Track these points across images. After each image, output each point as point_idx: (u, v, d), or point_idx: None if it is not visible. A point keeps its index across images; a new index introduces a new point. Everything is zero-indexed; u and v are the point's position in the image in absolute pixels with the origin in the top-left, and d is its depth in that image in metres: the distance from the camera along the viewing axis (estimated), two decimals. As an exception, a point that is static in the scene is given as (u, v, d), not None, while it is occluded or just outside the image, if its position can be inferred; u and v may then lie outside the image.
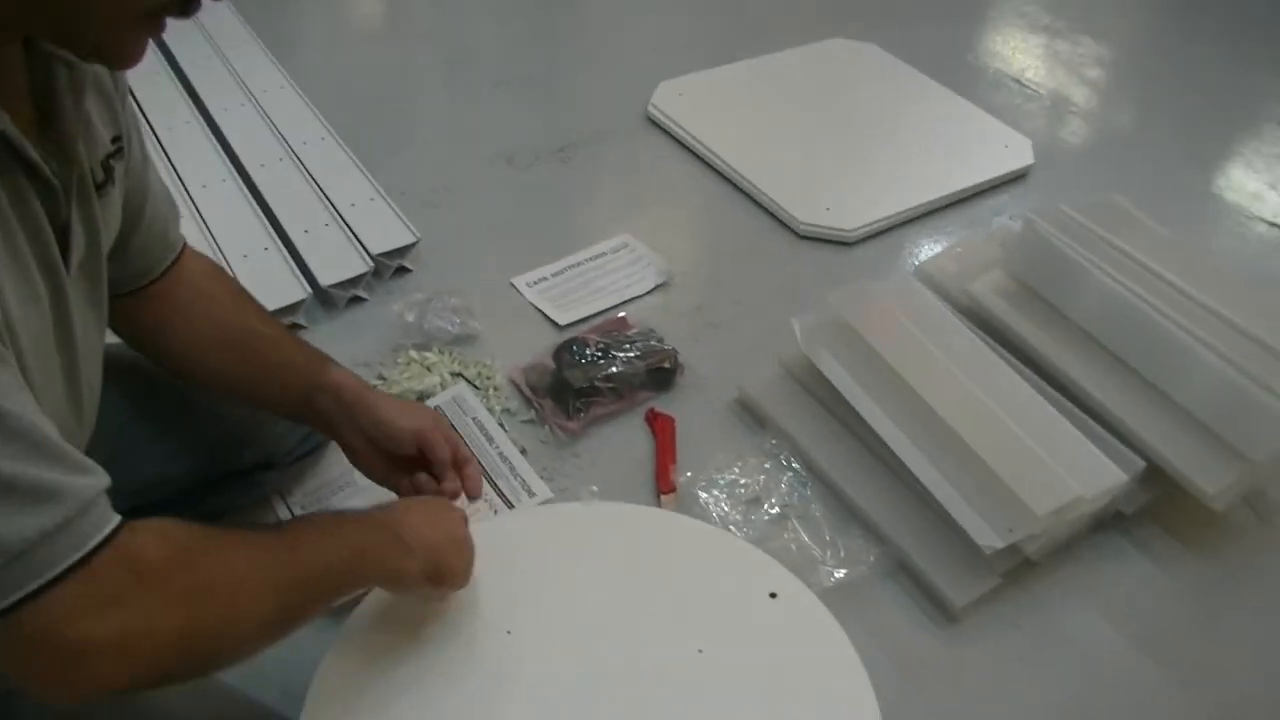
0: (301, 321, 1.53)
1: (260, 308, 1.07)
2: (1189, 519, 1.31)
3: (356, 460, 1.04)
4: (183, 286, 1.01)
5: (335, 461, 1.31)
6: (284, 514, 1.25)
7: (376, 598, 0.93)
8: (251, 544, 0.74)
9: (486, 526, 1.14)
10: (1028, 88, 2.28)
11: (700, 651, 0.91)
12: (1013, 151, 1.96)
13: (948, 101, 2.11)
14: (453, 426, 1.16)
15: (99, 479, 0.66)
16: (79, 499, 0.62)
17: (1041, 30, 2.55)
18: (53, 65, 0.74)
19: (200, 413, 1.15)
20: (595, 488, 1.28)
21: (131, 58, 0.73)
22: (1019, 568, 1.23)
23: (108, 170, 0.81)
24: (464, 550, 0.91)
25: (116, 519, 0.65)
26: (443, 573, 0.87)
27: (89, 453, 0.67)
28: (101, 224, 0.81)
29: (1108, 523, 1.31)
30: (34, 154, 0.70)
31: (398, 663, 0.88)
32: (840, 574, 1.21)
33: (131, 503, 0.69)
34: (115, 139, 0.83)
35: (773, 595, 0.96)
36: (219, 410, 1.16)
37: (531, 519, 1.14)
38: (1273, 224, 1.91)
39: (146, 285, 0.98)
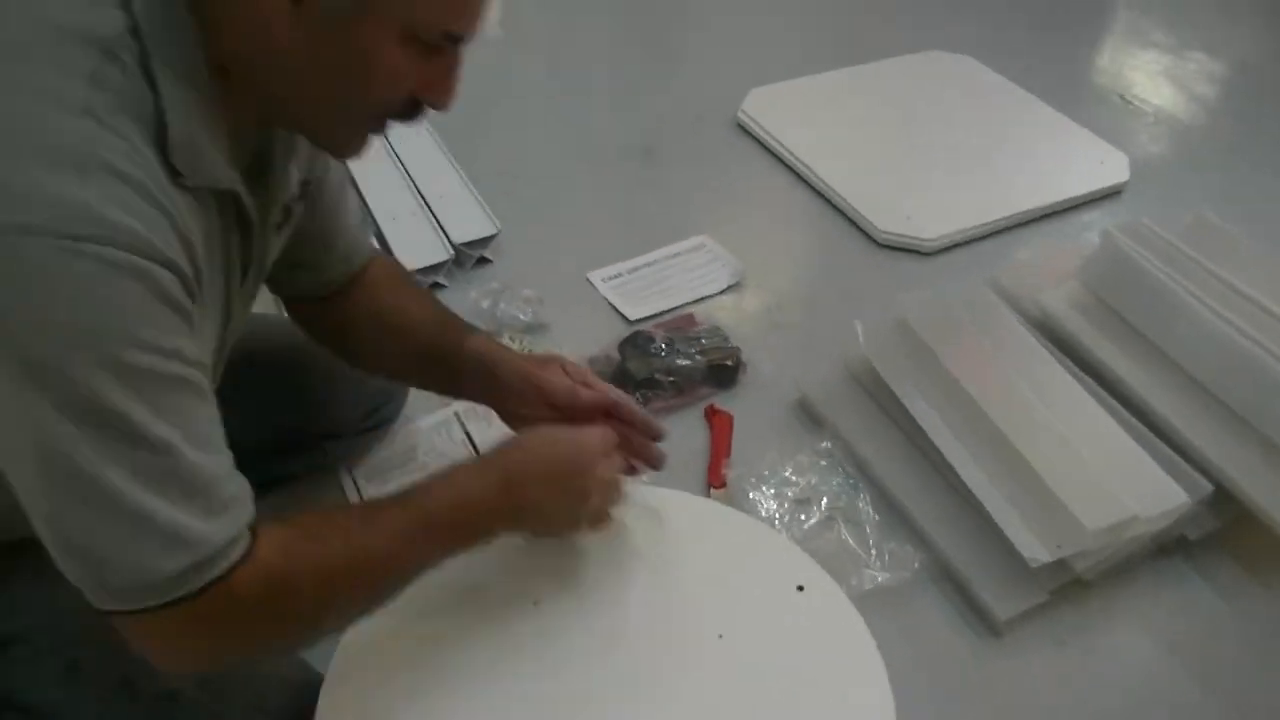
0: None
1: (422, 297, 1.11)
2: (1262, 550, 1.26)
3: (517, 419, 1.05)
4: (363, 292, 1.06)
5: (402, 438, 1.36)
6: (348, 485, 1.31)
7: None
8: (363, 532, 0.78)
9: None
10: (1131, 104, 2.22)
11: (721, 637, 0.92)
12: (1108, 167, 1.91)
13: (1042, 115, 2.07)
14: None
15: (237, 519, 0.70)
16: (210, 546, 0.67)
17: (1151, 46, 2.48)
18: (274, 133, 0.82)
19: (277, 384, 1.21)
20: (645, 476, 1.30)
21: (355, 152, 0.81)
22: (1070, 586, 1.21)
23: (288, 214, 0.88)
24: (586, 496, 0.89)
25: (239, 552, 0.69)
26: (559, 525, 0.91)
27: None
28: (270, 255, 0.89)
29: (1171, 547, 1.27)
30: (252, 210, 0.77)
31: (427, 618, 0.90)
32: (882, 578, 1.21)
33: None
34: (304, 183, 0.90)
35: (800, 588, 0.97)
36: (297, 381, 1.22)
37: None
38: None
39: (330, 294, 1.05)
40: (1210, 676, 1.16)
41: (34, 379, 0.60)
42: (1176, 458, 1.26)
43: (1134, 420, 1.30)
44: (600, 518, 0.93)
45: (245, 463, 0.73)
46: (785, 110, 2.04)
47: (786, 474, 1.32)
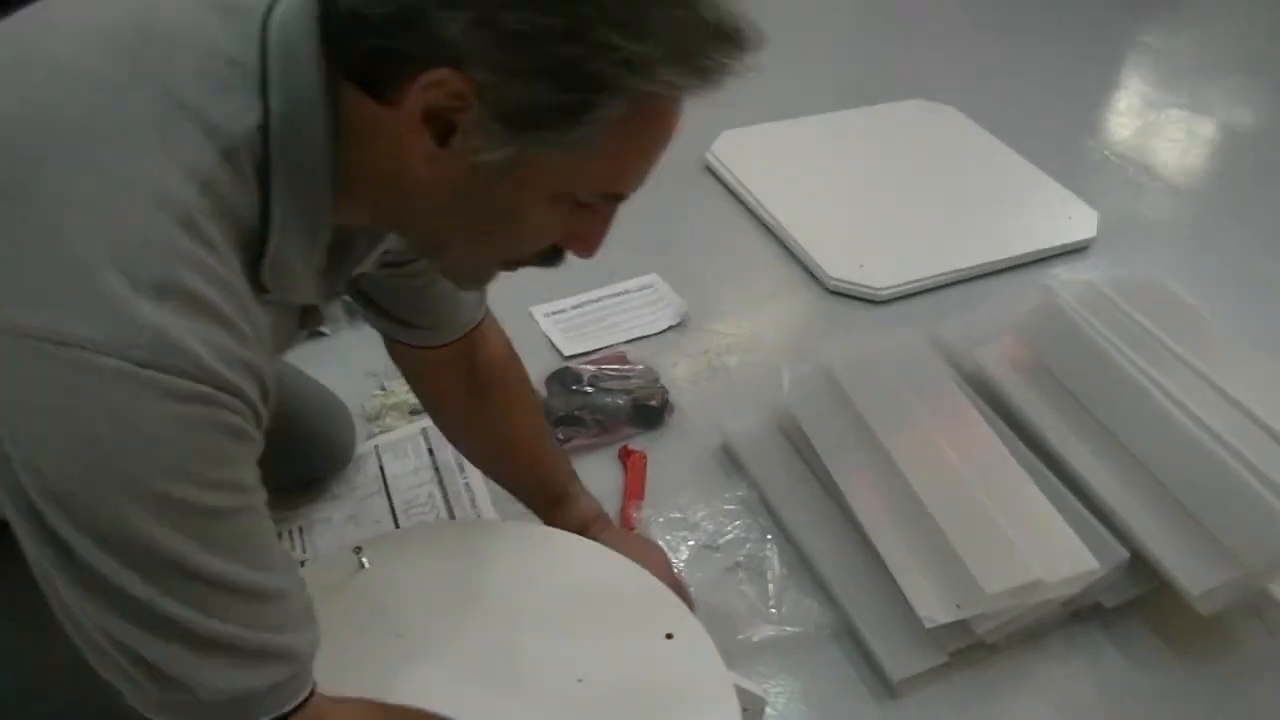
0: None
1: (531, 408, 1.13)
2: (1183, 622, 1.21)
3: None
4: (461, 364, 1.04)
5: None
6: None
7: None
8: None
9: (400, 533, 1.16)
10: (1113, 160, 2.19)
11: (579, 681, 0.90)
12: (1075, 223, 1.89)
13: (1017, 168, 2.05)
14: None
15: (308, 644, 0.67)
16: (300, 659, 0.65)
17: (1142, 103, 2.45)
18: (357, 232, 0.75)
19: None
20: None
21: (478, 287, 0.80)
22: (974, 649, 1.17)
23: (351, 284, 0.86)
24: None
25: (308, 691, 0.67)
26: None
27: None
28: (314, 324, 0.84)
29: (1086, 614, 1.24)
30: (321, 310, 0.76)
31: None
32: (778, 630, 1.18)
33: None
34: (384, 254, 0.85)
35: (669, 636, 0.95)
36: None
37: (450, 531, 1.16)
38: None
39: (429, 347, 1.02)
40: (1110, 751, 1.12)
41: (67, 512, 0.55)
42: (1095, 523, 1.22)
43: (1057, 482, 1.27)
44: None
45: None
46: (754, 154, 2.04)
47: (697, 519, 1.30)
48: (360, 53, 0.59)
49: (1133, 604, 1.23)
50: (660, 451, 1.41)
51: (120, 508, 0.55)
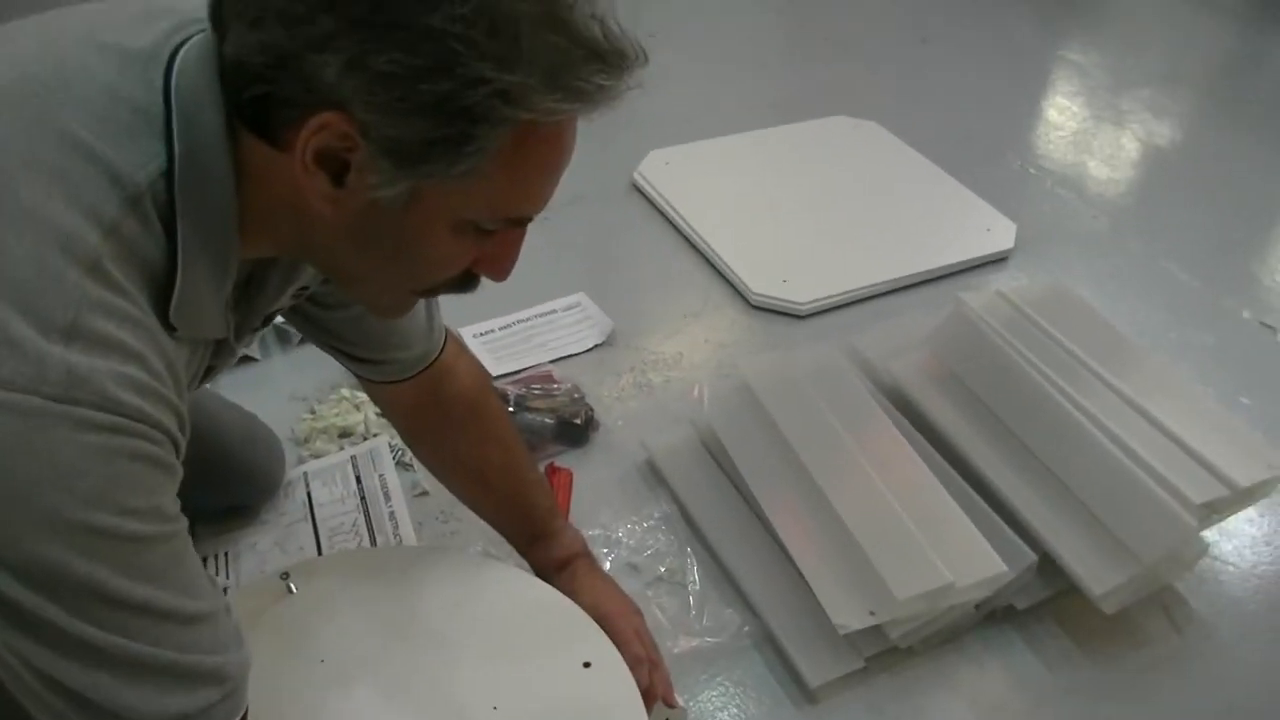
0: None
1: (507, 443, 1.11)
2: (1092, 622, 1.25)
3: None
4: (429, 399, 1.05)
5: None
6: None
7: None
8: None
9: (326, 559, 1.17)
10: (1032, 173, 2.25)
11: (495, 709, 0.92)
12: (994, 235, 1.94)
13: (937, 181, 2.10)
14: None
15: (239, 665, 0.67)
16: (233, 680, 0.66)
17: (1062, 117, 2.52)
18: (270, 268, 0.77)
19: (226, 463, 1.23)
20: (480, 546, 1.29)
21: (397, 315, 0.79)
22: (889, 653, 1.20)
23: (267, 319, 0.84)
24: None
25: (241, 713, 0.68)
26: None
27: None
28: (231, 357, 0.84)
29: (1000, 615, 1.27)
30: (234, 343, 0.76)
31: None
32: (699, 642, 1.20)
33: None
34: (301, 288, 0.85)
35: (586, 665, 0.97)
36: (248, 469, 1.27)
37: (375, 557, 1.17)
38: (1266, 325, 1.83)
39: (393, 382, 1.03)
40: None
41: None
42: (1004, 526, 1.26)
43: (967, 488, 1.31)
44: None
45: None
46: (680, 173, 2.07)
47: (619, 535, 1.32)
48: (250, 100, 0.61)
49: (1044, 605, 1.27)
50: (586, 468, 1.43)
51: (37, 540, 0.56)
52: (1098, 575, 1.20)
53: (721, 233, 1.89)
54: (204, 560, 1.28)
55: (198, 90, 0.62)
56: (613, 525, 1.33)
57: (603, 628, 1.00)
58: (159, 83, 0.62)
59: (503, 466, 1.10)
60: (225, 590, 1.21)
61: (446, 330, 1.05)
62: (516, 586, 1.05)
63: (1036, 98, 2.64)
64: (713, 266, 1.86)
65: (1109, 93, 2.64)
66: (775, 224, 1.95)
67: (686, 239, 1.92)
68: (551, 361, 1.60)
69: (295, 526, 1.32)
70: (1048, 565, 1.25)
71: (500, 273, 0.72)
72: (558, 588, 1.04)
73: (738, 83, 2.57)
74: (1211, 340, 1.78)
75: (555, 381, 1.54)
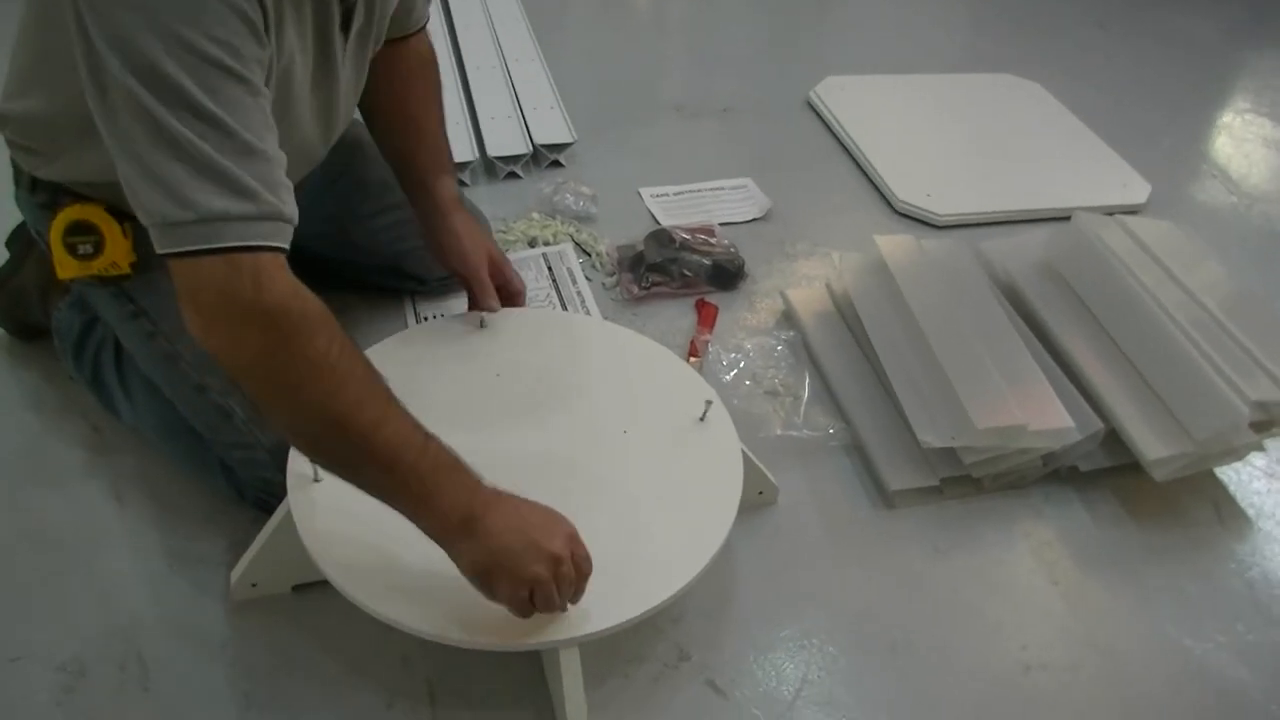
0: (465, 180, 1.91)
1: (430, 102, 1.31)
2: (1145, 495, 1.43)
3: (434, 255, 1.31)
4: (394, 56, 1.24)
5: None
6: (411, 320, 1.59)
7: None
8: (376, 391, 0.86)
9: (509, 311, 1.40)
10: (1183, 153, 2.38)
11: (625, 432, 1.19)
12: (1128, 190, 2.10)
13: (1085, 139, 2.27)
14: (507, 258, 1.38)
15: (282, 206, 0.82)
16: (259, 204, 0.80)
17: (1229, 112, 2.63)
18: None
19: (384, 220, 1.45)
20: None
21: None
22: (961, 481, 1.41)
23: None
24: (525, 573, 0.86)
25: (282, 244, 0.81)
26: (490, 584, 0.87)
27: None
28: (378, 4, 1.08)
29: (1064, 474, 1.46)
30: None
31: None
32: (799, 433, 1.45)
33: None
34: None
35: (702, 418, 1.22)
36: (403, 233, 1.43)
37: (525, 316, 1.38)
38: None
39: (392, 41, 1.22)
40: (1058, 579, 1.33)
41: (111, 45, 0.74)
42: (1079, 396, 1.46)
43: (1052, 363, 1.51)
44: (549, 603, 0.89)
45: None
46: (851, 98, 2.30)
47: (749, 349, 1.58)
48: None
49: (1104, 474, 1.45)
50: (731, 309, 1.69)
51: (139, 33, 0.74)
52: (1152, 443, 1.39)
53: (879, 149, 2.12)
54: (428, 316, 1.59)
55: None
56: (745, 346, 1.59)
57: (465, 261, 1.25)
58: None
59: (416, 112, 1.28)
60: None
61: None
62: (662, 359, 1.32)
63: (1204, 93, 2.72)
64: (866, 176, 2.09)
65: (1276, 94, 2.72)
66: (928, 150, 2.17)
67: (847, 151, 2.16)
68: (717, 224, 1.86)
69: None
70: (1114, 441, 1.44)
71: None
72: (442, 230, 1.26)
73: (915, 30, 2.78)
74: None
75: (716, 235, 1.80)
